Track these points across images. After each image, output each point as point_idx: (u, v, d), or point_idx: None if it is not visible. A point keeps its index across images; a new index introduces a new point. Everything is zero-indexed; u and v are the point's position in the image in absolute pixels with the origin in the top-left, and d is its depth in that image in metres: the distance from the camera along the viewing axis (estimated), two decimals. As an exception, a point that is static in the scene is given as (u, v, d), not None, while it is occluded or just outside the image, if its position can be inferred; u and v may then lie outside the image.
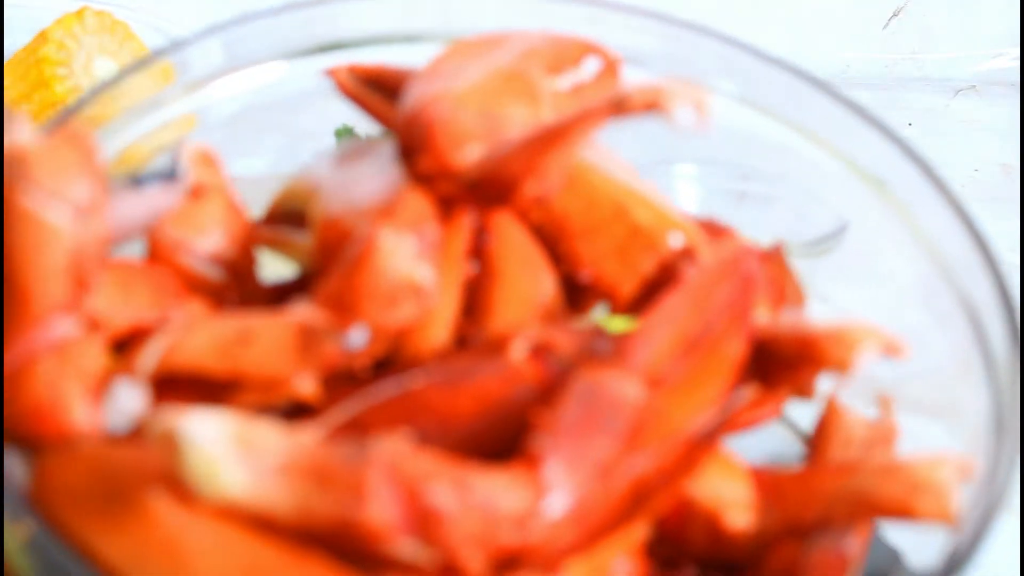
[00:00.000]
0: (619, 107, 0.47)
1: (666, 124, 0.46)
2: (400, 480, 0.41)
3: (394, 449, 0.41)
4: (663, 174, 0.61)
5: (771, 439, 0.55)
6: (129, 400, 0.46)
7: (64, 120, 0.50)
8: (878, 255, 0.56)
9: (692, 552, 0.48)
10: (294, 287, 0.52)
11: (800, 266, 0.54)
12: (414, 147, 0.49)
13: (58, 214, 0.44)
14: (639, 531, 0.47)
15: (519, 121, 0.50)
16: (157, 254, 0.51)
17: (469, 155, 0.48)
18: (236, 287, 0.52)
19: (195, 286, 0.50)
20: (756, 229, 0.55)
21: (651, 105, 0.46)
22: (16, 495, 0.43)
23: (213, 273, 0.51)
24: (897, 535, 0.52)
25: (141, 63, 0.53)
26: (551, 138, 0.47)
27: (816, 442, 0.53)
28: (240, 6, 0.56)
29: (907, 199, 0.54)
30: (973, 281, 0.51)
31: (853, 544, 0.48)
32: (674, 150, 0.60)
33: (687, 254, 0.52)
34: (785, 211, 0.59)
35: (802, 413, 0.55)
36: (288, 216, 0.54)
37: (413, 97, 0.51)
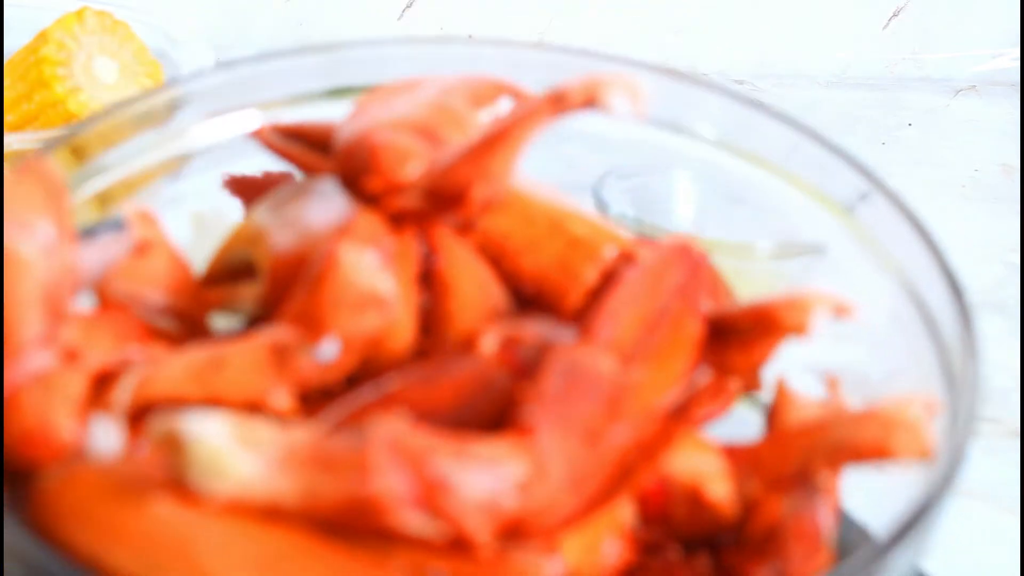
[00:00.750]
0: (558, 103, 0.48)
1: (605, 113, 0.48)
2: (403, 454, 0.41)
3: (393, 427, 0.42)
4: (663, 176, 0.62)
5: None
6: (106, 436, 0.46)
7: (58, 145, 0.51)
8: (849, 272, 0.58)
9: (677, 531, 0.49)
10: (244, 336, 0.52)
11: (794, 267, 0.55)
12: (359, 170, 0.50)
13: (29, 247, 0.45)
14: (624, 511, 0.48)
15: (453, 143, 0.52)
16: (108, 307, 0.51)
17: (413, 170, 0.50)
18: (189, 336, 0.52)
19: (151, 334, 0.51)
20: (753, 229, 0.56)
21: (589, 99, 0.48)
22: (13, 519, 0.42)
23: (164, 324, 0.51)
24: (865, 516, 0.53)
25: (138, 98, 0.54)
26: (496, 139, 0.49)
27: (770, 425, 0.54)
28: (238, 7, 0.57)
29: (872, 225, 0.55)
30: (931, 295, 0.53)
31: (826, 513, 0.49)
32: (672, 156, 0.62)
33: (627, 260, 0.53)
34: (781, 211, 0.60)
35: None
36: (230, 270, 0.54)
37: (349, 130, 0.52)
